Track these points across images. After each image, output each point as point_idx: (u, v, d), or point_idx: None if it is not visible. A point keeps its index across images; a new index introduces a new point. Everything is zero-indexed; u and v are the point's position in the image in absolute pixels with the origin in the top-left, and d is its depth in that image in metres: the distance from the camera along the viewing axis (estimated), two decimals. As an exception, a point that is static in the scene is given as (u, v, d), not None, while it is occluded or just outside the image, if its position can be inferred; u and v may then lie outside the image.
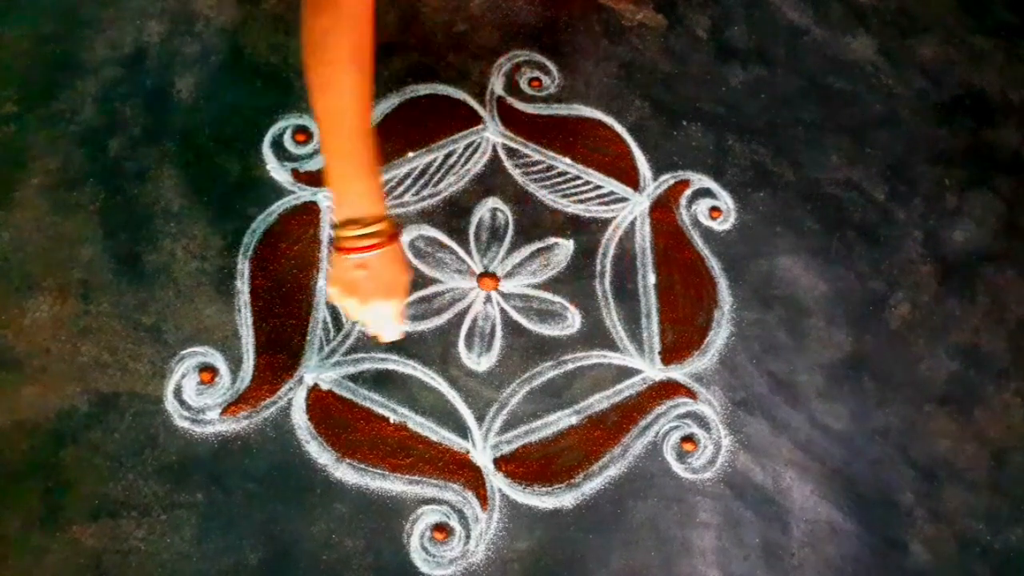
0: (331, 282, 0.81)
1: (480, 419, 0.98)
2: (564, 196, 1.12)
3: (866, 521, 1.00)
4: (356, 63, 0.72)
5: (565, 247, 1.09)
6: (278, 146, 1.09)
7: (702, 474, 0.99)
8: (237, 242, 1.03)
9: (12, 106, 1.07)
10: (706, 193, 1.16)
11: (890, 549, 0.99)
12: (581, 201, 1.13)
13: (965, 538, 1.01)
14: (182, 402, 0.94)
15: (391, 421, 0.96)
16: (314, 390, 0.96)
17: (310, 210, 1.06)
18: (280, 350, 0.98)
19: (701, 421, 1.02)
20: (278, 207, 1.06)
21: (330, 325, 1.00)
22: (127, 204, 1.03)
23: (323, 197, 1.07)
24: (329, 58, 0.71)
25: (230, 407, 0.94)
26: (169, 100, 1.10)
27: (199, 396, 0.94)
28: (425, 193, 1.10)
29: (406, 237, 1.07)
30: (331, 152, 0.75)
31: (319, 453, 0.93)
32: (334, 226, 0.79)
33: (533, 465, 0.96)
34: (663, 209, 1.14)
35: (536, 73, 1.21)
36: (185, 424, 0.93)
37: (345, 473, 0.93)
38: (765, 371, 1.06)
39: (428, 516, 0.92)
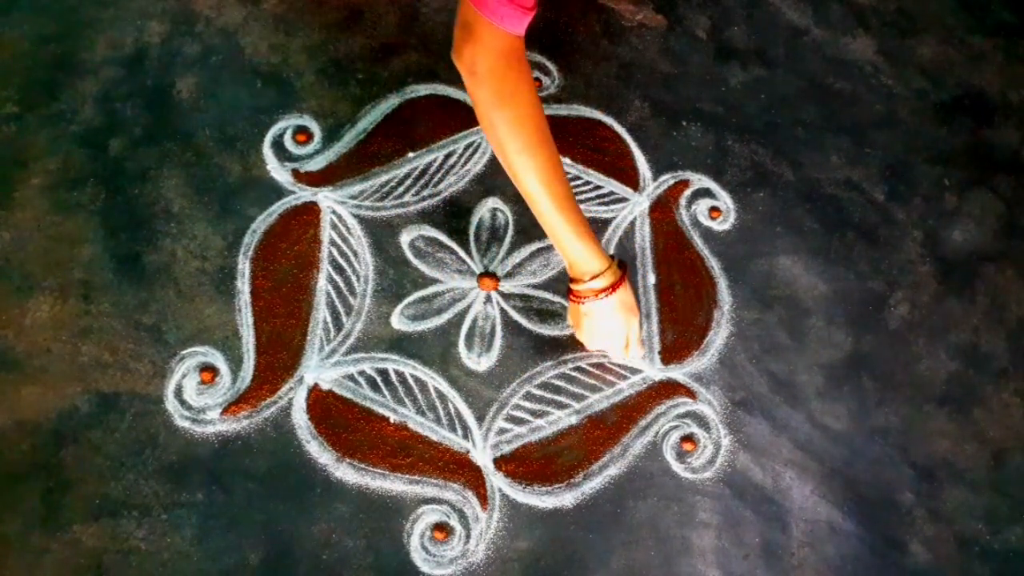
0: (573, 326, 0.98)
1: (480, 419, 0.98)
2: (564, 196, 1.12)
3: (866, 521, 1.00)
4: (549, 141, 0.83)
5: (565, 247, 1.09)
6: (278, 146, 1.09)
7: (702, 474, 0.99)
8: (237, 242, 1.03)
9: (12, 106, 1.07)
10: (706, 193, 1.16)
11: (890, 549, 0.99)
12: (581, 201, 1.12)
13: (965, 538, 1.01)
14: (182, 402, 0.94)
15: (391, 421, 0.96)
16: (314, 390, 0.96)
17: (310, 210, 1.06)
18: (280, 350, 0.98)
19: (701, 421, 1.02)
20: (278, 207, 1.06)
21: (330, 325, 1.00)
22: (127, 204, 1.03)
23: (323, 197, 1.07)
24: (526, 144, 0.81)
25: (230, 407, 0.94)
26: (169, 100, 1.10)
27: (199, 396, 0.94)
28: (425, 193, 1.10)
29: (406, 237, 1.07)
30: (552, 224, 0.85)
31: (319, 453, 0.93)
32: (571, 280, 0.92)
33: (533, 465, 0.96)
34: (663, 209, 1.14)
35: (536, 73, 1.21)
36: (185, 424, 0.93)
37: (345, 473, 0.93)
38: (765, 371, 1.06)
39: (428, 516, 0.92)
